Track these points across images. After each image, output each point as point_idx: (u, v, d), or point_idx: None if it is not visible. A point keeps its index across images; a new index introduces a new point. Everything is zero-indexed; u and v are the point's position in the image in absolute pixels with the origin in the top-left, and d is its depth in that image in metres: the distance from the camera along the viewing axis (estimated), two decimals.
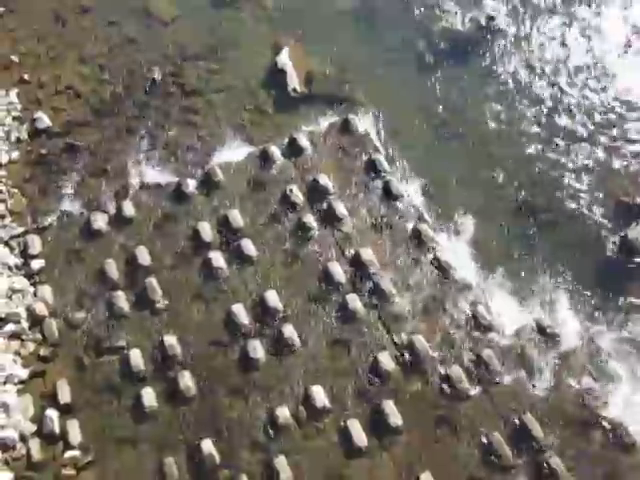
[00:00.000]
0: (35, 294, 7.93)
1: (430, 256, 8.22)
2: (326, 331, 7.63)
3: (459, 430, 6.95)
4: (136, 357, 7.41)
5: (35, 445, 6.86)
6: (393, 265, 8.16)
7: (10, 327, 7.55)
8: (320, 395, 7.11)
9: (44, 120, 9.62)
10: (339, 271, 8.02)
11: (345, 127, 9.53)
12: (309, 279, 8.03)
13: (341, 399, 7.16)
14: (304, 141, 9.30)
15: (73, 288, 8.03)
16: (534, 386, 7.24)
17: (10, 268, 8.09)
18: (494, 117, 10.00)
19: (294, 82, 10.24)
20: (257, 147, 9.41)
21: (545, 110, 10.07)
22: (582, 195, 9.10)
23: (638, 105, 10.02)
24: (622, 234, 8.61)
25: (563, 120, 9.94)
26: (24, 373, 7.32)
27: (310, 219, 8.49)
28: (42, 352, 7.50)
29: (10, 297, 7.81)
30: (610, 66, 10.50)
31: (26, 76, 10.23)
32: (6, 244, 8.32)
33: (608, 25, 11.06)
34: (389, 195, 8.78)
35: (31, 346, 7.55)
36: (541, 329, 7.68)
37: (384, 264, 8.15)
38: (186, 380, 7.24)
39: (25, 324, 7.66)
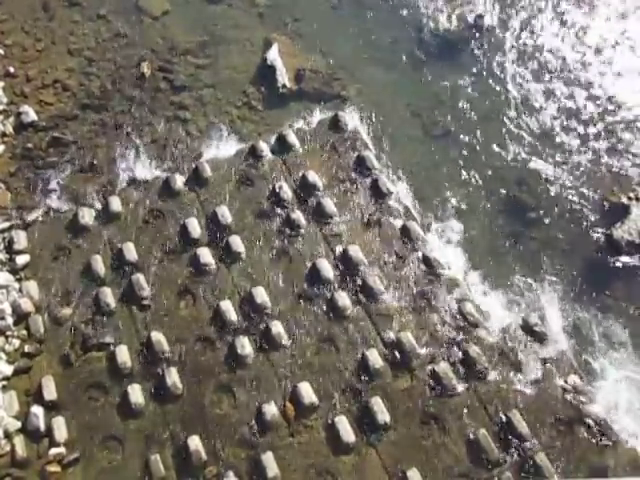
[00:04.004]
0: (20, 290, 7.84)
1: (418, 253, 8.25)
2: (314, 328, 7.62)
3: (446, 426, 6.98)
4: (123, 354, 7.35)
5: (20, 442, 6.79)
6: (381, 262, 8.18)
7: None
8: (308, 392, 7.10)
9: (30, 114, 9.52)
10: (327, 268, 8.02)
11: (334, 124, 9.52)
12: (297, 276, 8.01)
13: (329, 396, 7.16)
14: (293, 138, 9.27)
15: (59, 284, 7.94)
16: (520, 383, 7.30)
17: None
18: (483, 115, 10.05)
19: (284, 78, 10.22)
20: (246, 143, 9.38)
21: (534, 108, 10.14)
22: (569, 194, 9.18)
23: (627, 104, 10.13)
24: (608, 233, 8.70)
25: (552, 118, 10.01)
26: (9, 369, 7.24)
27: (299, 216, 8.47)
28: (27, 348, 7.41)
29: None
30: (600, 64, 10.61)
31: (12, 69, 10.11)
32: None
33: (598, 23, 11.17)
34: (378, 192, 8.79)
35: (16, 342, 7.47)
36: (528, 327, 7.73)
37: (372, 261, 8.16)
38: (173, 377, 7.20)
39: (10, 320, 7.57)
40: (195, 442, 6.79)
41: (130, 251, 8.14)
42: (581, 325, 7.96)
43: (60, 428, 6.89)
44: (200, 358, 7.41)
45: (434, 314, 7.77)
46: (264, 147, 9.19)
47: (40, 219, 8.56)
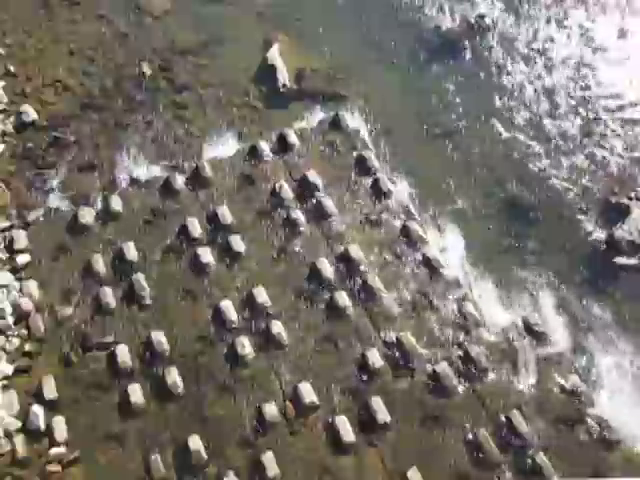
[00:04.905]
0: (20, 289, 7.84)
1: (419, 253, 8.25)
2: (314, 328, 7.62)
3: (446, 427, 6.98)
4: (123, 353, 7.35)
5: (20, 441, 6.79)
6: (382, 262, 8.17)
7: None
8: (308, 392, 7.10)
9: (30, 113, 9.51)
10: (328, 268, 8.02)
11: (335, 124, 9.53)
12: (298, 275, 8.02)
13: (329, 396, 7.16)
14: (294, 137, 9.28)
15: (59, 283, 7.94)
16: (520, 383, 7.30)
17: None
18: (484, 115, 10.05)
19: (284, 78, 10.22)
20: (246, 143, 9.38)
21: (534, 108, 10.14)
22: (570, 194, 9.18)
23: (627, 104, 10.12)
24: (609, 233, 8.69)
25: (552, 118, 10.01)
26: (9, 369, 7.25)
27: (299, 215, 8.48)
28: (27, 348, 7.41)
29: None
30: (602, 63, 10.60)
31: (12, 68, 10.11)
32: None
33: (599, 21, 11.18)
34: (378, 192, 8.79)
35: (16, 342, 7.46)
36: (528, 327, 7.73)
37: (373, 261, 8.16)
38: (173, 376, 7.20)
39: (10, 319, 7.57)
40: (195, 442, 6.80)
41: (130, 251, 8.14)
42: (581, 325, 7.94)
43: (60, 427, 6.88)
44: (200, 358, 7.41)
45: (434, 314, 7.77)
46: (264, 147, 9.19)
47: (40, 219, 8.56)
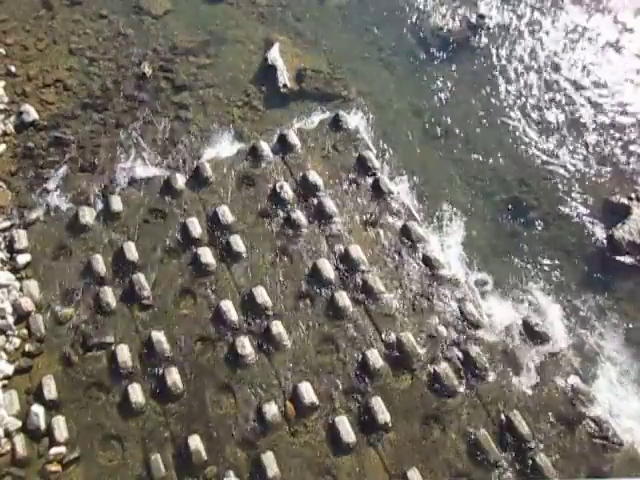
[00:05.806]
0: (21, 289, 7.85)
1: (419, 253, 8.24)
2: (315, 328, 7.62)
3: (446, 427, 6.98)
4: (123, 353, 7.36)
5: (20, 441, 6.80)
6: (382, 262, 8.18)
7: None
8: (308, 392, 7.10)
9: (31, 113, 9.52)
10: (328, 268, 8.02)
11: (336, 124, 9.52)
12: (298, 276, 8.01)
13: (329, 396, 7.16)
14: (294, 137, 9.28)
15: (60, 283, 7.95)
16: (521, 383, 7.30)
17: None
18: (484, 115, 10.05)
19: (285, 78, 10.22)
20: (247, 143, 9.38)
21: (535, 109, 10.14)
22: (570, 194, 9.18)
23: (627, 104, 10.12)
24: (609, 233, 8.69)
25: (553, 119, 10.01)
26: (9, 368, 7.25)
27: (299, 216, 8.47)
28: (28, 347, 7.43)
29: None
30: (601, 64, 10.60)
31: (13, 68, 10.12)
32: None
33: (600, 22, 11.17)
34: (379, 192, 8.79)
35: (17, 341, 7.47)
36: (529, 327, 7.72)
37: (373, 261, 8.16)
38: (173, 376, 7.20)
39: (11, 319, 7.58)
40: (195, 442, 6.80)
41: (131, 250, 8.14)
42: (582, 325, 7.95)
43: (60, 427, 6.90)
44: (200, 358, 7.41)
45: (434, 314, 7.77)
46: (265, 147, 9.19)
47: (41, 218, 8.57)
